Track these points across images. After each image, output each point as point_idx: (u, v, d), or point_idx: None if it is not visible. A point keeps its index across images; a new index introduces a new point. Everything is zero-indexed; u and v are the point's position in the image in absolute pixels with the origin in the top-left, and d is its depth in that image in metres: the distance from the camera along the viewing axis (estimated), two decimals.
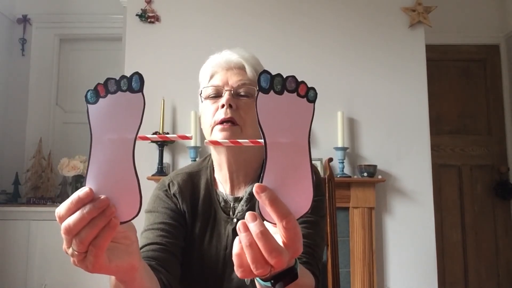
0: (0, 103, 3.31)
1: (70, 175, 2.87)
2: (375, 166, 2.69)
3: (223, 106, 0.90)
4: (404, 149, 2.80)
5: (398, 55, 2.89)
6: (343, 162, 2.69)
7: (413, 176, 2.77)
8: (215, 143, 0.59)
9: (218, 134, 0.89)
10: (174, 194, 0.96)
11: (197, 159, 2.69)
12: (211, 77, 0.96)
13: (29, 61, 3.42)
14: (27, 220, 2.82)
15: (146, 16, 2.87)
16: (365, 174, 2.66)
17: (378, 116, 2.83)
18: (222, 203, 0.96)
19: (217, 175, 1.00)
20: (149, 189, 3.01)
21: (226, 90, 0.92)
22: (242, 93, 0.93)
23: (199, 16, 2.91)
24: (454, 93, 3.51)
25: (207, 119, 0.93)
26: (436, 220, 2.82)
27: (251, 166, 0.96)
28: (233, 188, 0.97)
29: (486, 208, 3.41)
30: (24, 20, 3.45)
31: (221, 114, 0.89)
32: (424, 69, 2.86)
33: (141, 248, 0.85)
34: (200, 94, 0.97)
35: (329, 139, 2.77)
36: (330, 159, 2.71)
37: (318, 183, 0.97)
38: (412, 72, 2.87)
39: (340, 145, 2.69)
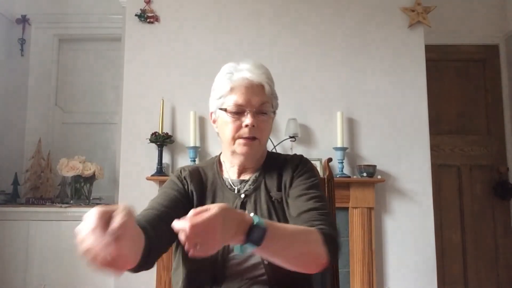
0: None
1: (69, 175, 2.87)
2: (374, 166, 2.69)
3: (246, 125, 1.07)
4: (404, 149, 2.80)
5: (397, 55, 2.89)
6: (342, 162, 2.69)
7: (412, 176, 2.78)
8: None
9: (241, 148, 1.09)
10: (184, 177, 1.14)
11: (196, 159, 2.69)
12: (232, 90, 1.09)
13: (28, 61, 3.42)
14: (26, 220, 2.82)
15: (146, 16, 2.87)
16: (365, 174, 2.66)
17: (378, 116, 2.83)
18: (229, 186, 1.14)
19: (225, 166, 1.18)
20: (149, 189, 3.01)
21: (249, 112, 1.07)
22: (261, 112, 1.09)
23: (198, 16, 2.91)
24: (454, 93, 3.51)
25: (229, 132, 1.09)
26: (436, 220, 2.82)
27: (258, 161, 1.16)
28: (239, 175, 1.16)
29: (485, 208, 3.41)
30: (23, 20, 3.44)
31: (246, 132, 1.07)
32: (423, 69, 2.87)
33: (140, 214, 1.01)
34: (221, 107, 1.10)
35: (328, 139, 2.77)
36: (330, 159, 2.71)
37: (299, 162, 1.17)
38: (411, 72, 2.87)
39: (339, 145, 2.69)
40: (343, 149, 2.69)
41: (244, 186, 1.14)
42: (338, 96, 2.85)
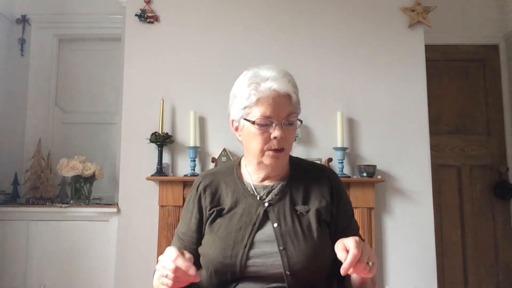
0: None
1: (69, 175, 2.86)
2: (374, 166, 2.69)
3: (275, 137, 1.07)
4: (404, 149, 2.80)
5: (397, 55, 2.89)
6: (342, 162, 2.69)
7: (412, 176, 2.78)
8: None
9: (270, 160, 1.10)
10: (204, 189, 1.16)
11: (196, 159, 2.69)
12: (258, 101, 1.07)
13: (28, 61, 3.41)
14: (26, 220, 2.81)
15: (146, 16, 2.87)
16: (365, 174, 2.66)
17: (378, 116, 2.83)
18: (251, 191, 1.14)
19: (245, 171, 1.18)
20: (149, 189, 3.01)
21: (277, 124, 1.07)
22: (288, 123, 1.09)
23: (199, 16, 2.91)
24: (454, 93, 3.51)
25: (256, 144, 1.09)
26: (436, 220, 2.82)
27: (282, 169, 1.16)
28: (263, 180, 1.16)
29: (485, 208, 3.41)
30: (23, 20, 3.44)
31: (275, 144, 1.08)
32: (423, 69, 2.86)
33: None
34: (248, 117, 1.09)
35: (328, 139, 2.77)
36: (330, 159, 2.72)
37: (333, 178, 1.21)
38: (411, 72, 2.87)
39: (339, 145, 2.69)
40: (343, 149, 2.69)
41: (269, 193, 1.14)
42: (338, 96, 2.85)
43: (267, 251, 1.04)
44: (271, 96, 1.06)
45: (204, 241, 1.12)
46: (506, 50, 3.52)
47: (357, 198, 2.66)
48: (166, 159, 2.76)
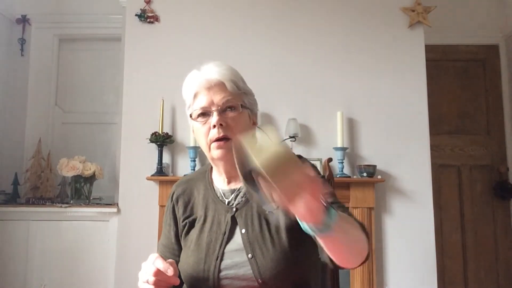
0: None
1: (69, 175, 2.86)
2: (374, 166, 2.69)
3: (214, 126, 1.01)
4: (404, 149, 2.80)
5: (397, 55, 2.88)
6: (342, 162, 2.69)
7: (412, 176, 2.77)
8: None
9: (216, 152, 1.03)
10: (176, 200, 1.14)
11: (196, 159, 2.69)
12: (195, 96, 1.06)
13: (28, 61, 3.41)
14: (26, 220, 2.81)
15: (146, 16, 2.87)
16: (365, 174, 2.66)
17: (378, 116, 2.83)
18: (220, 197, 1.09)
19: (215, 175, 1.13)
20: (149, 189, 3.00)
21: (214, 111, 1.02)
22: (228, 109, 1.03)
23: (198, 16, 2.91)
24: (454, 93, 3.51)
25: (202, 139, 1.05)
26: (436, 220, 2.81)
27: None
28: (229, 182, 1.10)
29: (485, 208, 3.41)
30: (23, 20, 3.44)
31: (215, 133, 1.01)
32: (423, 69, 2.86)
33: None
34: (190, 116, 1.08)
35: (328, 139, 2.77)
36: (330, 159, 2.71)
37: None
38: (411, 72, 2.87)
39: (339, 145, 2.69)
40: (343, 149, 2.69)
41: (236, 197, 1.07)
42: (338, 96, 2.85)
43: (237, 261, 0.99)
44: (203, 86, 1.05)
45: (181, 256, 1.10)
46: (506, 50, 3.52)
47: (357, 198, 2.66)
48: (166, 159, 2.76)
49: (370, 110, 2.84)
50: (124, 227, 2.73)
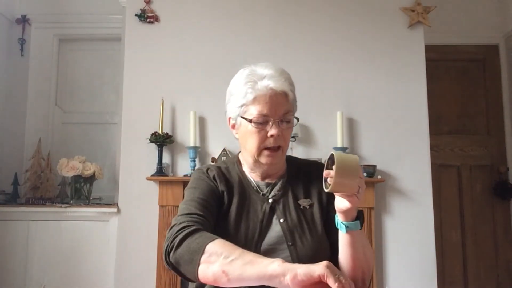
0: None
1: (69, 175, 2.86)
2: (374, 166, 2.69)
3: (272, 136, 1.07)
4: (404, 149, 2.80)
5: (397, 55, 2.88)
6: None
7: (412, 176, 2.77)
8: None
9: (267, 159, 1.10)
10: (213, 177, 1.13)
11: (196, 159, 2.69)
12: (256, 99, 1.07)
13: (28, 62, 3.41)
14: (26, 220, 2.81)
15: (145, 16, 2.87)
16: (365, 174, 2.66)
17: (378, 116, 2.83)
18: (255, 188, 1.15)
19: (246, 169, 1.18)
20: (149, 189, 3.00)
21: (274, 122, 1.07)
22: (285, 121, 1.09)
23: (198, 16, 2.91)
24: (454, 93, 3.51)
25: (254, 143, 1.09)
26: (436, 220, 2.81)
27: (280, 168, 1.18)
28: (263, 179, 1.16)
29: (485, 208, 3.41)
30: (23, 20, 3.44)
31: (271, 142, 1.08)
32: (423, 69, 2.86)
33: (186, 214, 1.01)
34: (244, 115, 1.09)
35: (328, 139, 2.77)
36: None
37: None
38: (411, 72, 2.87)
39: (339, 145, 2.69)
40: (343, 149, 2.69)
41: (271, 190, 1.15)
42: (338, 96, 2.85)
43: (277, 247, 1.06)
44: (267, 94, 1.07)
45: None
46: (506, 50, 3.52)
47: None
48: (166, 159, 2.76)
49: (370, 110, 2.84)
50: (124, 227, 2.73)
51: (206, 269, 0.87)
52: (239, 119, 1.11)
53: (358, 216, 0.96)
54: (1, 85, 3.31)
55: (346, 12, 2.93)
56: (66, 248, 2.77)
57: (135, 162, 2.77)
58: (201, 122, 2.79)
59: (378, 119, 2.83)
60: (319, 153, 2.75)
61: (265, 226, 1.09)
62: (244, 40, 2.87)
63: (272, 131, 1.07)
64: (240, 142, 1.15)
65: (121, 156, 2.80)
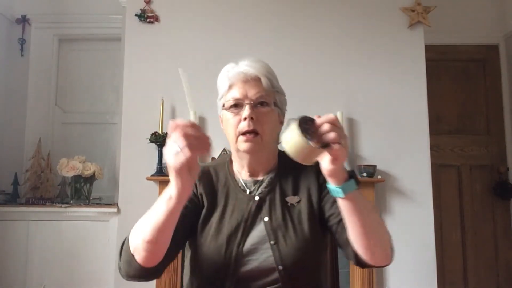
0: None
1: (69, 175, 2.86)
2: (374, 166, 2.69)
3: (245, 118, 1.04)
4: (404, 149, 2.80)
5: (397, 55, 2.89)
6: None
7: (412, 176, 2.77)
8: None
9: (243, 144, 1.05)
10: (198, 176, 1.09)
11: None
12: (230, 87, 1.08)
13: (28, 61, 3.41)
14: (26, 220, 2.81)
15: (145, 16, 2.87)
16: (365, 174, 2.66)
17: (378, 116, 2.83)
18: (242, 187, 1.11)
19: (236, 167, 1.15)
20: (149, 189, 2.99)
21: (247, 104, 1.05)
22: (260, 104, 1.06)
23: (199, 16, 2.91)
24: (454, 93, 3.51)
25: (231, 129, 1.07)
26: (436, 220, 2.81)
27: (268, 162, 1.13)
28: (251, 175, 1.13)
29: (485, 208, 3.41)
30: (23, 20, 3.44)
31: (245, 126, 1.04)
32: (423, 69, 2.86)
33: None
34: (223, 106, 1.09)
35: None
36: None
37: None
38: (411, 72, 2.87)
39: None
40: None
41: (258, 187, 1.11)
42: (338, 96, 2.85)
43: (259, 247, 1.03)
44: (240, 79, 1.07)
45: (199, 241, 1.08)
46: (506, 50, 3.52)
47: None
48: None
49: (370, 110, 2.84)
50: (124, 227, 2.72)
51: (139, 253, 0.90)
52: (222, 112, 1.11)
53: (350, 176, 0.87)
54: (1, 85, 3.31)
55: (346, 12, 2.93)
56: (66, 248, 2.77)
57: (135, 162, 2.77)
58: (201, 122, 2.79)
59: (378, 119, 2.83)
60: None
61: (249, 225, 1.06)
62: (244, 40, 2.87)
63: (244, 113, 1.04)
64: (226, 136, 1.12)
65: (121, 156, 2.80)
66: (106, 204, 2.92)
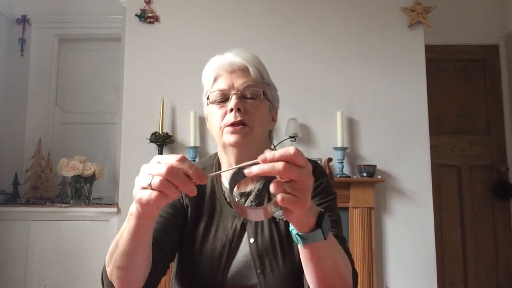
0: None
1: (70, 175, 2.86)
2: (374, 166, 2.69)
3: (231, 110, 0.92)
4: (404, 149, 2.80)
5: (397, 55, 2.89)
6: (342, 162, 2.69)
7: (412, 176, 2.77)
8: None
9: (229, 137, 0.92)
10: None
11: (196, 159, 2.69)
12: (215, 80, 0.98)
13: (28, 61, 3.42)
14: (27, 220, 2.82)
15: (145, 16, 2.87)
16: (365, 174, 2.66)
17: (378, 116, 2.83)
18: (229, 199, 0.97)
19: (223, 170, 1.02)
20: None
21: (233, 94, 0.94)
22: (249, 95, 0.95)
23: (198, 16, 2.91)
24: (453, 93, 3.51)
25: (216, 123, 0.95)
26: (436, 220, 2.82)
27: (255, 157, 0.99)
28: (239, 184, 1.00)
29: (485, 208, 3.41)
30: (23, 20, 3.44)
31: (231, 117, 0.92)
32: (423, 69, 2.86)
33: None
34: (207, 99, 0.99)
35: (328, 139, 2.77)
36: (330, 159, 2.72)
37: (315, 168, 0.98)
38: (411, 72, 2.87)
39: (339, 145, 2.69)
40: (343, 149, 2.69)
41: (245, 201, 0.98)
42: (338, 96, 2.85)
43: (244, 273, 0.94)
44: (226, 69, 0.97)
45: (180, 263, 0.99)
46: (506, 50, 3.52)
47: (357, 198, 2.66)
48: None
49: (370, 110, 2.84)
50: None
51: (115, 281, 0.77)
52: (207, 107, 0.99)
53: (319, 222, 0.68)
54: (1, 85, 3.31)
55: (346, 12, 2.93)
56: (66, 248, 2.77)
57: (135, 162, 2.74)
58: (201, 122, 2.79)
59: (378, 119, 2.83)
60: (319, 153, 2.75)
61: (234, 247, 0.95)
62: (244, 40, 2.87)
63: (230, 104, 0.92)
64: (210, 131, 1.00)
65: (121, 156, 2.80)
66: (106, 204, 2.92)
